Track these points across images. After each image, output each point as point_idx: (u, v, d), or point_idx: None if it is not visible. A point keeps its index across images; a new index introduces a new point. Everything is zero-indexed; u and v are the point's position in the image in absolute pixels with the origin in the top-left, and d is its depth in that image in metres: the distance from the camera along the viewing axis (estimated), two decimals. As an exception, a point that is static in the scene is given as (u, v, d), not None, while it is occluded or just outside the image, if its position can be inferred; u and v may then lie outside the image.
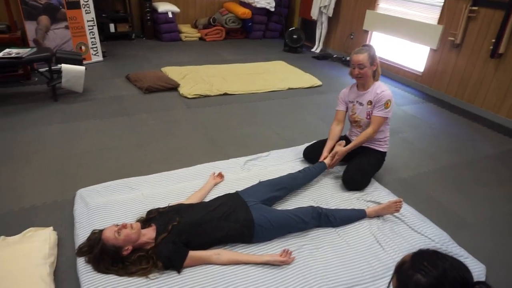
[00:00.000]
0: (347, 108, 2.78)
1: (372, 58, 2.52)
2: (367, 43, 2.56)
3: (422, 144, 3.50)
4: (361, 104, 2.66)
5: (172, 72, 4.80)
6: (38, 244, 1.88)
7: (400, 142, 3.48)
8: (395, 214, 2.33)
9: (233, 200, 2.10)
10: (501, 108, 4.13)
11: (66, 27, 4.78)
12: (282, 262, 1.89)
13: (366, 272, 1.92)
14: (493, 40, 4.00)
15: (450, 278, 0.93)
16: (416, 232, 2.21)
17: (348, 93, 2.75)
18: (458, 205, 2.60)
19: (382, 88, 2.57)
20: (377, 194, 2.54)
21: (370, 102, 2.60)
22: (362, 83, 2.63)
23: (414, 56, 5.22)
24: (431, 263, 0.97)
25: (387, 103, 2.53)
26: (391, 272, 1.91)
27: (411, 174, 2.94)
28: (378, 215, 2.32)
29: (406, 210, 2.39)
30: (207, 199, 2.28)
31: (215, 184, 2.51)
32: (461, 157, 3.30)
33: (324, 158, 2.68)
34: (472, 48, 4.32)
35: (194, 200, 2.26)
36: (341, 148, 2.65)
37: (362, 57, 2.49)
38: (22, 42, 4.40)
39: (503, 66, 4.02)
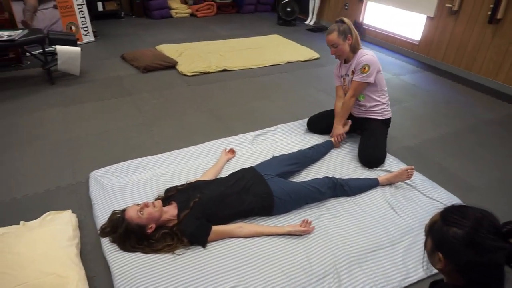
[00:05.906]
0: None
1: (344, 34, 2.48)
2: (342, 18, 2.55)
3: (424, 112, 3.55)
4: (348, 76, 2.68)
5: (168, 50, 4.70)
6: (60, 227, 1.88)
7: (403, 112, 3.52)
8: (407, 181, 2.39)
9: (250, 174, 2.13)
10: (498, 74, 4.18)
11: (55, 7, 4.60)
12: (303, 232, 1.94)
13: (383, 237, 1.98)
14: (491, 6, 3.99)
15: (484, 224, 0.95)
16: (428, 197, 2.28)
17: (339, 68, 2.77)
18: (463, 170, 2.66)
19: (363, 53, 2.54)
20: (387, 163, 2.59)
21: (352, 72, 2.62)
22: (343, 59, 2.64)
23: (410, 25, 5.19)
24: (461, 215, 0.98)
25: (364, 68, 2.52)
26: (408, 236, 2.00)
27: (417, 142, 2.99)
28: (390, 183, 2.37)
29: (417, 177, 2.45)
30: (222, 175, 2.30)
31: (228, 160, 2.52)
32: (462, 123, 3.36)
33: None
34: (470, 15, 4.31)
35: (209, 176, 2.27)
36: (338, 130, 2.72)
37: (331, 37, 2.48)
38: (10, 24, 4.23)
39: (501, 31, 4.03)
